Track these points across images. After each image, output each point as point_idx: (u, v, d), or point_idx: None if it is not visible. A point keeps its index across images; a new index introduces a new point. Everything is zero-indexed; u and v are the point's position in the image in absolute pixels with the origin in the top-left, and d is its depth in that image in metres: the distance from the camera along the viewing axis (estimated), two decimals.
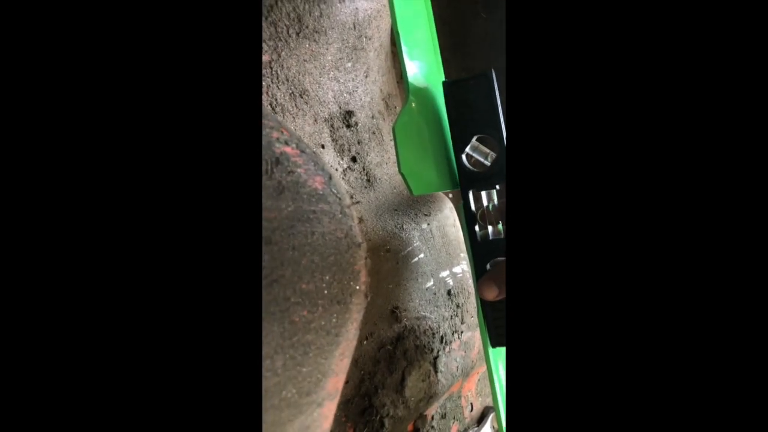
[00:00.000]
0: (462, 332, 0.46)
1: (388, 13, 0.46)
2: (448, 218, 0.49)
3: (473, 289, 0.50)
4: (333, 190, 0.23)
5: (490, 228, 0.39)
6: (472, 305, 0.48)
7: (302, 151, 0.22)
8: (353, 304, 0.23)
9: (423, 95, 0.38)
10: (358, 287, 0.23)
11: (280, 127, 0.21)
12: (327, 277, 0.21)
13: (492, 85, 0.36)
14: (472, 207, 0.37)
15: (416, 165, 0.37)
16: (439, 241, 0.46)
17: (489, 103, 0.36)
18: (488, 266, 0.37)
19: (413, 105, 0.37)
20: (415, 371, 0.39)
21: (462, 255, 0.49)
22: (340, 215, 0.23)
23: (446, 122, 0.39)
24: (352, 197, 0.30)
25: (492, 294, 0.34)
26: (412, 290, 0.41)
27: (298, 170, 0.21)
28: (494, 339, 0.38)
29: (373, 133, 0.49)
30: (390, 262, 0.39)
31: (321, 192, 0.22)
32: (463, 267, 0.49)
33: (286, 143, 0.21)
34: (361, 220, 0.30)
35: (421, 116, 0.38)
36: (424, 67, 0.38)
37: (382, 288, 0.38)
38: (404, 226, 0.43)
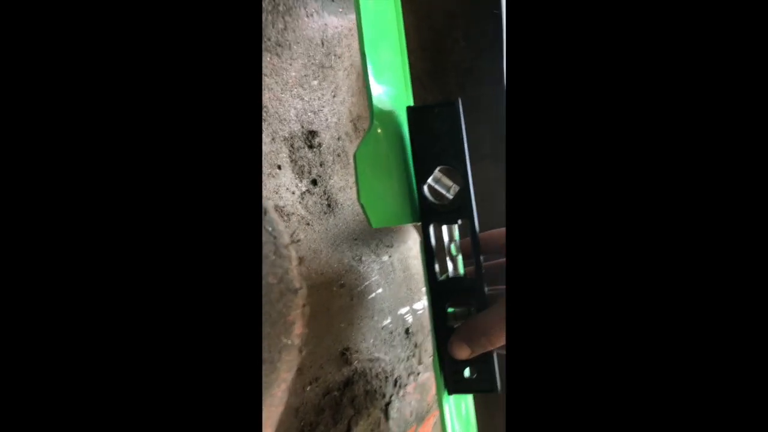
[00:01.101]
0: (419, 373, 0.43)
1: None
2: (411, 250, 0.46)
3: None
4: (268, 227, 0.20)
5: (450, 266, 0.36)
6: (432, 343, 0.46)
7: None
8: (282, 362, 0.19)
9: (388, 120, 0.36)
10: (290, 341, 0.20)
11: None
12: None
13: (458, 115, 0.34)
14: (432, 242, 0.35)
15: (377, 195, 0.34)
16: (400, 275, 0.43)
17: (454, 134, 0.34)
18: (447, 307, 0.35)
19: (378, 131, 0.34)
20: (363, 420, 0.35)
21: (424, 290, 0.46)
22: (273, 257, 0.20)
23: (407, 149, 0.37)
24: (292, 235, 0.27)
25: (464, 354, 0.32)
26: (366, 329, 0.38)
27: None
28: (452, 386, 0.35)
29: (338, 155, 0.46)
30: (343, 299, 0.36)
31: None
32: (424, 303, 0.46)
33: None
34: (301, 260, 0.27)
35: (386, 143, 0.35)
36: (391, 90, 0.36)
37: (332, 327, 0.35)
38: (363, 258, 0.40)
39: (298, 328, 0.20)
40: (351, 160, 0.47)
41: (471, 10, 0.64)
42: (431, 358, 0.45)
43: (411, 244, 0.46)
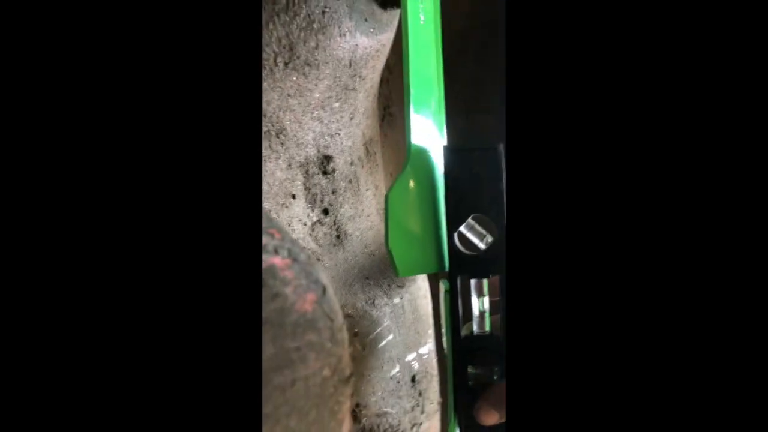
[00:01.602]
0: (421, 423, 0.41)
1: (387, 53, 0.41)
2: (420, 289, 0.43)
3: (437, 371, 0.44)
4: (325, 308, 0.16)
5: (475, 319, 0.34)
6: (434, 390, 0.43)
7: (294, 260, 0.15)
8: None
9: (423, 159, 0.33)
10: None
11: (270, 226, 0.15)
12: None
13: (500, 161, 0.32)
14: (459, 296, 0.32)
15: (406, 240, 0.31)
16: (410, 317, 0.40)
17: (493, 181, 0.32)
18: (469, 369, 0.32)
19: (411, 171, 0.32)
20: None
21: (430, 332, 0.43)
22: (329, 344, 0.16)
23: (442, 192, 0.34)
24: (344, 307, 0.24)
25: (493, 420, 0.30)
26: (376, 381, 0.35)
27: (286, 290, 0.14)
28: None
29: (350, 181, 0.43)
30: (356, 349, 0.33)
31: (310, 316, 0.16)
32: (429, 347, 0.43)
33: (276, 251, 0.14)
34: (356, 333, 0.24)
35: (418, 183, 0.32)
36: (428, 125, 0.33)
37: None
38: (376, 301, 0.37)
39: (347, 425, 0.17)
40: (362, 188, 0.44)
41: (484, 32, 0.62)
42: (432, 404, 0.43)
43: (420, 283, 0.43)
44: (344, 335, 0.18)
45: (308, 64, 0.32)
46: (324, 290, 0.17)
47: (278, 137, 0.33)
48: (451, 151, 0.32)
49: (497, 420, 0.30)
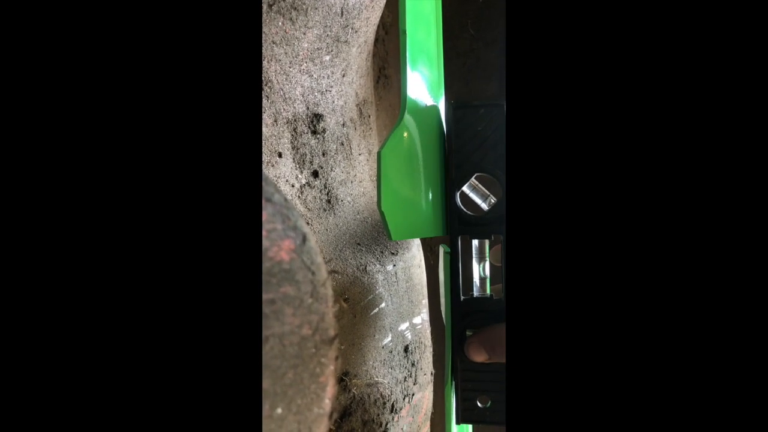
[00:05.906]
0: (413, 395, 0.39)
1: (382, 6, 0.38)
2: (414, 258, 0.41)
3: (430, 342, 0.43)
4: (305, 259, 0.15)
5: (476, 282, 0.32)
6: (427, 361, 0.42)
7: (267, 200, 0.13)
8: None
9: (419, 115, 0.31)
10: (321, 410, 0.15)
11: None
12: (279, 411, 0.13)
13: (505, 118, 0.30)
14: (459, 256, 0.31)
15: (400, 202, 0.29)
16: (404, 286, 0.39)
17: (499, 139, 0.30)
18: (467, 329, 0.31)
19: (406, 126, 0.29)
20: None
21: (424, 302, 0.42)
22: (310, 300, 0.15)
23: (440, 151, 0.32)
24: (328, 262, 0.22)
25: (480, 358, 0.30)
26: (367, 350, 0.33)
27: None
28: (461, 414, 0.32)
29: (342, 144, 0.40)
30: (346, 316, 0.31)
31: (287, 266, 0.14)
32: (423, 317, 0.42)
33: None
34: (346, 299, 0.22)
35: (414, 140, 0.30)
36: (424, 81, 0.31)
37: None
38: (368, 268, 0.35)
39: (330, 389, 0.15)
40: (354, 151, 0.42)
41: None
42: (425, 375, 0.41)
43: (415, 251, 0.42)
44: (328, 291, 0.16)
45: (295, 9, 0.30)
46: (304, 239, 0.15)
47: (263, 89, 0.31)
48: (455, 107, 0.30)
49: (484, 359, 0.30)
